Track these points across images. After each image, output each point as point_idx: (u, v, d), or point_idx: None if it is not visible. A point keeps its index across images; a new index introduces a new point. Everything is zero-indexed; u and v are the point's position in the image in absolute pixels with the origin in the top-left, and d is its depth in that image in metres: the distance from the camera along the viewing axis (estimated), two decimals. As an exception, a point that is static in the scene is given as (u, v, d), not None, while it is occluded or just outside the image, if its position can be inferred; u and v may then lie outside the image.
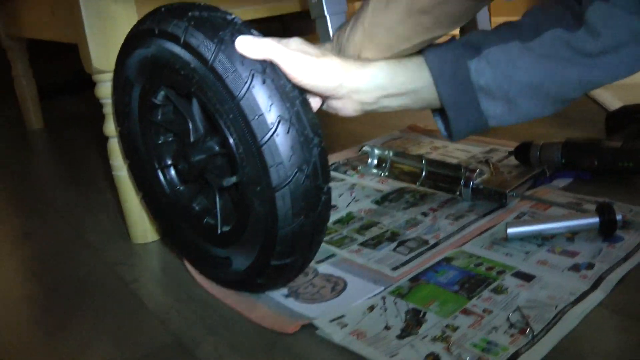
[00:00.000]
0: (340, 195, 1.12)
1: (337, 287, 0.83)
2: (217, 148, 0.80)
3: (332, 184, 1.16)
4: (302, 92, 0.71)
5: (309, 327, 0.75)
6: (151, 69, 0.80)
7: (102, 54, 0.98)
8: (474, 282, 0.80)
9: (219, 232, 0.82)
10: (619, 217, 0.85)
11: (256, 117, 0.67)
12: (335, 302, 0.79)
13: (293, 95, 0.69)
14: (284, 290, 0.83)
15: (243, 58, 0.68)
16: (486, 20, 1.10)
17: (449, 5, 0.64)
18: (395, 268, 0.85)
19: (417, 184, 1.11)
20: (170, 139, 0.88)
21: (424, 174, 1.11)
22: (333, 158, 1.31)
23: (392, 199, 1.08)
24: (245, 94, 0.67)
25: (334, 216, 1.04)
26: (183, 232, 0.89)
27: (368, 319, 0.75)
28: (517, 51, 0.73)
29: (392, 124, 1.54)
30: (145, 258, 1.02)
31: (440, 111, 0.81)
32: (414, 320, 0.73)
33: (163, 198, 0.90)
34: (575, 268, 0.80)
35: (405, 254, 0.89)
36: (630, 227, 0.88)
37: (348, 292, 0.81)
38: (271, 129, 0.67)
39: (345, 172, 1.23)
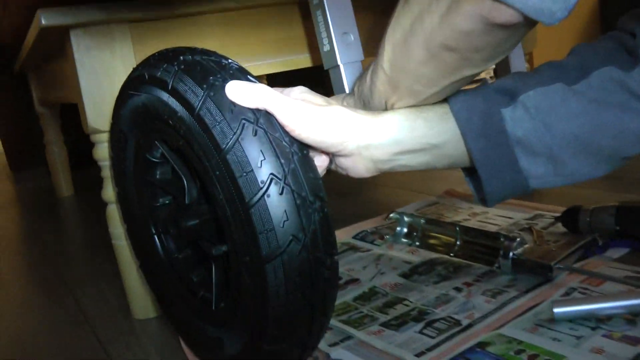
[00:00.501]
0: (365, 268, 1.00)
1: (350, 376, 0.70)
2: (209, 212, 0.70)
3: (357, 255, 1.05)
4: (304, 148, 0.61)
5: None
6: (143, 120, 0.72)
7: (99, 112, 0.91)
8: (513, 373, 0.66)
9: (214, 307, 0.71)
10: (688, 295, 0.71)
11: (244, 174, 0.57)
12: (346, 396, 0.67)
13: (290, 150, 0.59)
14: (288, 380, 0.71)
15: (234, 106, 0.59)
16: (522, 62, 0.98)
17: (475, 37, 0.52)
18: (419, 354, 0.72)
19: (451, 254, 0.98)
20: (167, 201, 0.79)
21: (458, 243, 0.99)
22: (361, 227, 1.19)
23: (421, 271, 0.96)
24: (232, 146, 0.57)
25: (355, 291, 0.92)
26: (178, 307, 0.79)
27: (383, 418, 0.62)
28: (561, 96, 0.61)
29: (429, 189, 1.43)
30: (142, 336, 0.91)
31: (471, 170, 0.69)
32: (439, 422, 0.60)
33: (159, 267, 0.80)
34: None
35: (432, 337, 0.76)
36: (703, 307, 0.74)
37: (362, 384, 0.69)
38: (261, 188, 0.57)
39: (372, 242, 1.11)
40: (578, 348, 0.69)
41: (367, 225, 1.20)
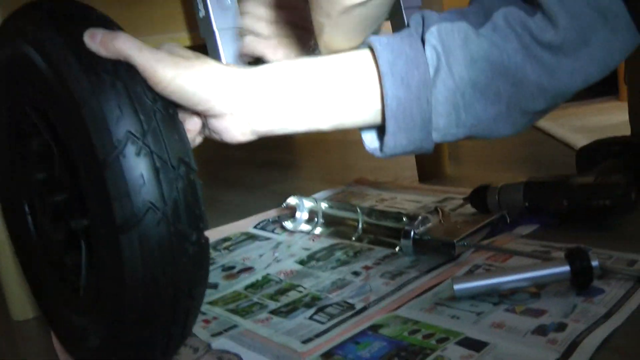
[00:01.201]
0: (261, 256, 0.92)
1: (227, 368, 0.62)
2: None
3: (255, 244, 0.97)
4: (169, 107, 0.54)
5: None
6: (9, 82, 0.64)
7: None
8: (405, 355, 0.59)
9: (81, 292, 0.62)
10: (594, 263, 0.66)
11: (100, 130, 0.50)
12: (219, 389, 0.58)
13: (153, 107, 0.52)
14: (158, 374, 0.62)
15: (94, 56, 0.52)
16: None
17: None
18: (306, 341, 0.65)
19: (353, 238, 0.91)
20: (42, 177, 0.70)
21: (360, 227, 0.92)
22: (262, 216, 1.11)
23: (319, 257, 0.88)
24: (88, 100, 0.50)
25: (247, 280, 0.84)
26: (51, 297, 0.70)
27: (255, 411, 0.54)
28: (463, 36, 0.55)
29: (342, 179, 1.36)
30: (18, 338, 0.82)
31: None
32: (317, 412, 0.52)
33: (33, 252, 0.72)
34: (541, 331, 0.60)
35: (323, 323, 0.68)
36: (611, 277, 0.69)
37: (239, 375, 0.61)
38: (116, 147, 0.49)
39: (272, 231, 1.03)
40: (477, 324, 0.63)
41: (269, 214, 1.12)
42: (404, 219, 0.85)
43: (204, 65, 0.55)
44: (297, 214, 0.98)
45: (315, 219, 0.97)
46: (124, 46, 0.52)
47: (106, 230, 0.52)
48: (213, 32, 0.75)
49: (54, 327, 0.71)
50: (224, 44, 0.75)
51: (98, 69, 0.51)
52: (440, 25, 0.55)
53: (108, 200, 0.50)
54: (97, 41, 0.52)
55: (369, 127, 0.60)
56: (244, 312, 0.74)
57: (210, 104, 0.55)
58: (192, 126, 0.58)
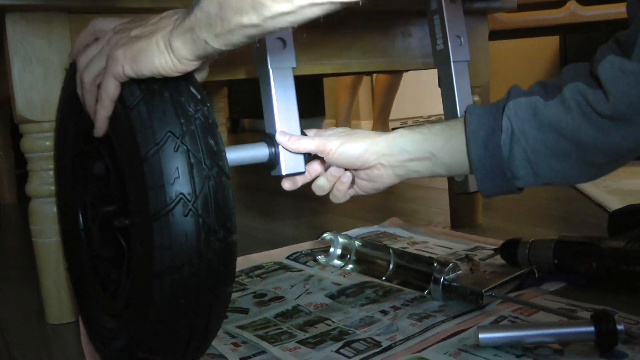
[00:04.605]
0: (292, 287, 0.95)
1: (254, 391, 0.65)
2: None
3: (287, 275, 1.00)
4: (210, 118, 0.61)
5: None
6: (77, 111, 0.70)
7: (29, 101, 0.86)
8: (428, 396, 0.62)
9: (118, 297, 0.67)
10: (620, 327, 0.68)
11: (144, 128, 0.57)
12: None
13: (194, 115, 0.59)
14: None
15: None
16: (468, 95, 0.97)
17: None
18: (332, 373, 0.67)
19: (383, 278, 0.94)
20: (98, 192, 0.76)
21: (391, 267, 0.94)
22: (296, 248, 1.14)
23: (349, 293, 0.91)
24: (137, 103, 0.58)
25: (277, 308, 0.87)
26: (91, 304, 0.75)
27: None
28: (534, 108, 0.66)
29: (375, 218, 1.38)
30: (52, 341, 0.86)
31: None
32: None
33: (84, 265, 0.76)
34: (562, 388, 0.62)
35: (349, 357, 0.71)
36: (636, 342, 0.70)
37: (266, 399, 0.63)
38: (157, 143, 0.56)
39: (305, 263, 1.06)
40: (500, 374, 0.65)
41: (303, 246, 1.15)
42: (435, 265, 0.87)
43: (358, 134, 0.76)
44: (331, 250, 1.01)
45: (348, 256, 1.00)
46: (307, 141, 0.73)
47: (141, 219, 0.57)
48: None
49: (90, 330, 0.75)
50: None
51: (150, 83, 0.59)
52: (516, 100, 0.67)
53: (145, 190, 0.56)
54: (287, 139, 0.73)
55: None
56: (273, 340, 0.77)
57: (364, 158, 0.74)
58: (345, 179, 0.77)
